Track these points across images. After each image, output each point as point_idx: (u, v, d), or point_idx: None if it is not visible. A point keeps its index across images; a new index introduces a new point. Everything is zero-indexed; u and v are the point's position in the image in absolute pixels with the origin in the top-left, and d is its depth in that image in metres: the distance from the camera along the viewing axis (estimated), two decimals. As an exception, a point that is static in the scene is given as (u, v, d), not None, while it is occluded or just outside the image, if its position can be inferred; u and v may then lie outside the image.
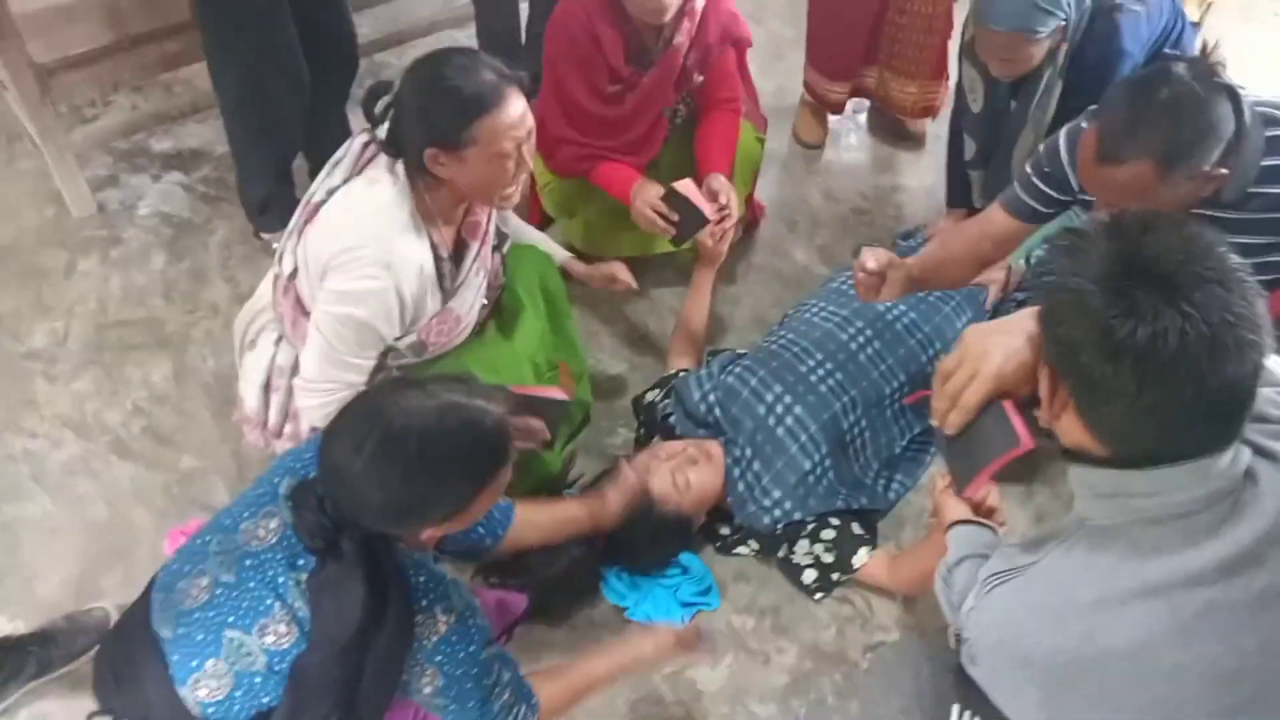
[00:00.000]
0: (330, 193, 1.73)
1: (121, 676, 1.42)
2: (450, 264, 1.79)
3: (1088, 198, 1.88)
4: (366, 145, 1.74)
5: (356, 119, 2.79)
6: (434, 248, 1.74)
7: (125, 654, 1.42)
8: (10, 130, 3.00)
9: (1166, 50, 2.19)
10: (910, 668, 1.92)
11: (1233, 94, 1.56)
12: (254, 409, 1.93)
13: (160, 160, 2.99)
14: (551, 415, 1.84)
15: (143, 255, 2.69)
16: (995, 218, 1.93)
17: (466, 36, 3.47)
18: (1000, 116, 2.42)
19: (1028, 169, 1.86)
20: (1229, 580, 1.02)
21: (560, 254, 2.26)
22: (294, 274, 1.78)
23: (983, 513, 1.58)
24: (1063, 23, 2.07)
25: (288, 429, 1.93)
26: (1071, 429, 1.07)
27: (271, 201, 2.60)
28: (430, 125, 1.63)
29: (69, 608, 1.91)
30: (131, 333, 2.49)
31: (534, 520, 1.80)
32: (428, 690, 1.38)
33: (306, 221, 1.74)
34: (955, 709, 1.33)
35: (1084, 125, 1.78)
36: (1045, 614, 1.09)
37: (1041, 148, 1.85)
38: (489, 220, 1.91)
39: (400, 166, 1.70)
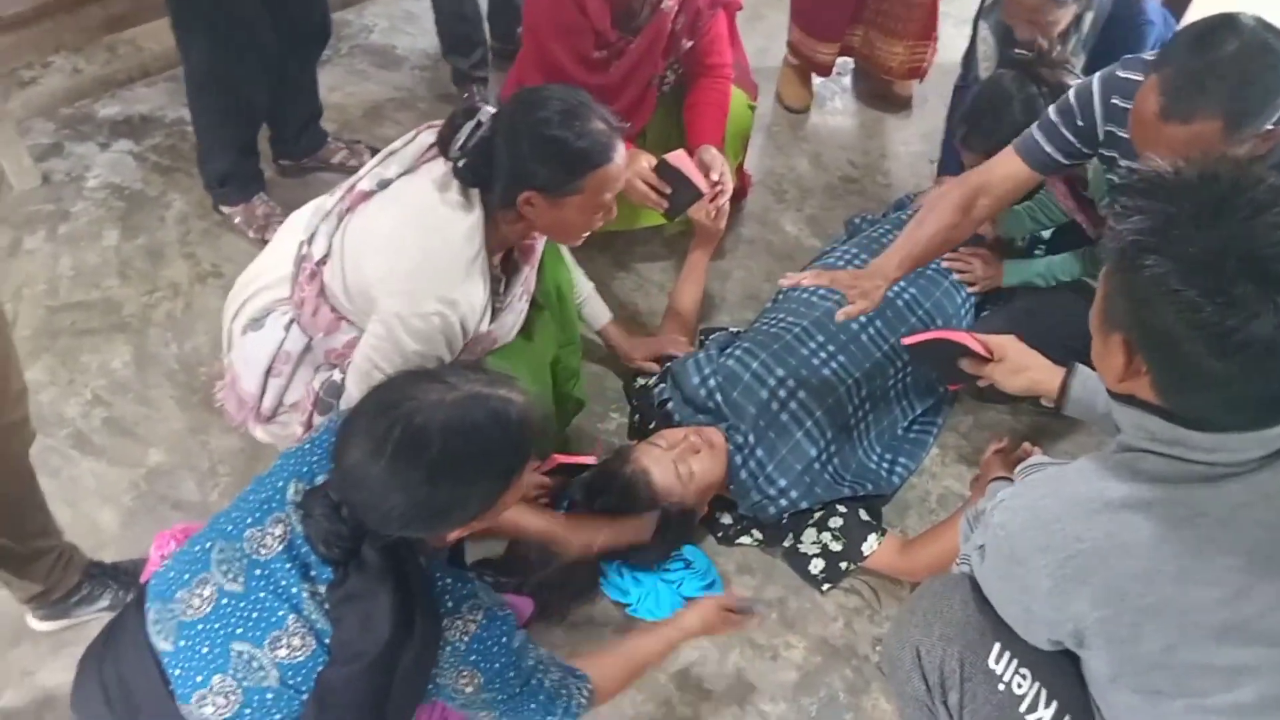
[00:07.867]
0: (382, 184, 1.62)
1: (112, 694, 1.29)
2: (502, 293, 1.72)
3: (1108, 153, 1.78)
4: (432, 145, 1.62)
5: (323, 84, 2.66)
6: (493, 281, 1.66)
7: (116, 669, 1.30)
8: (-59, 96, 2.79)
9: None
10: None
11: None
12: (251, 394, 1.81)
13: (107, 127, 2.80)
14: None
15: (94, 231, 2.52)
16: (1004, 168, 1.80)
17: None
18: None
19: (1053, 117, 1.74)
20: (1267, 503, 1.06)
21: (603, 317, 2.22)
22: (324, 260, 1.66)
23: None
24: None
25: (282, 417, 1.82)
26: (1136, 387, 1.09)
27: (232, 175, 2.48)
28: (532, 173, 1.55)
29: (31, 620, 1.79)
30: (86, 316, 2.33)
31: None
32: (469, 690, 1.30)
33: (349, 209, 1.63)
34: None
35: (1121, 75, 1.67)
36: (1074, 503, 1.11)
37: (1071, 95, 1.73)
38: (541, 245, 1.82)
39: (476, 192, 1.60)
